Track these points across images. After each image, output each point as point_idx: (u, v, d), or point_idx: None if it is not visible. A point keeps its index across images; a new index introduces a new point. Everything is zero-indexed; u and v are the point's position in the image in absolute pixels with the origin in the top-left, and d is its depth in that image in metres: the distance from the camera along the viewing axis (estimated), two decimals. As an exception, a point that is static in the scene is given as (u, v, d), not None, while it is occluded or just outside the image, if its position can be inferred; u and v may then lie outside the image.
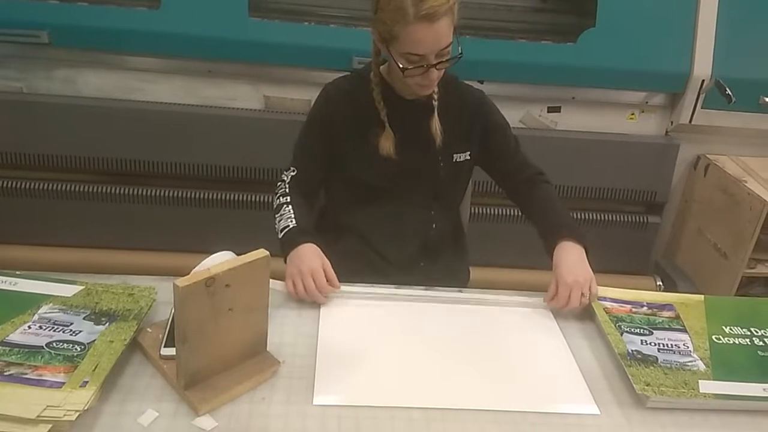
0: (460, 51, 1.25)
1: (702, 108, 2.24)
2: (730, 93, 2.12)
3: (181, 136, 2.17)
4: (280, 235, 1.29)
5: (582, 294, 1.22)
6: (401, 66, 1.24)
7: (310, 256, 1.22)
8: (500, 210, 2.31)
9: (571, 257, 1.27)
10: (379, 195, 1.42)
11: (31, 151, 2.17)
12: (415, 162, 1.39)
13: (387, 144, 1.35)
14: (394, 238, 1.44)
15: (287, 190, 1.37)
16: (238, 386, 0.95)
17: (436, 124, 1.35)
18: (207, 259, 1.06)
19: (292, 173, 1.39)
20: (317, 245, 1.25)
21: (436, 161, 1.39)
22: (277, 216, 1.33)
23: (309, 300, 1.19)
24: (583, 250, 1.29)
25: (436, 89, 1.35)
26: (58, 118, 2.14)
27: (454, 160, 1.41)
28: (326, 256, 1.24)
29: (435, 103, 1.35)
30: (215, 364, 0.96)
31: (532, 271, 2.37)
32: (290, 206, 1.32)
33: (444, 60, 1.23)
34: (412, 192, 1.42)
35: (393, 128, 1.35)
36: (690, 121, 2.27)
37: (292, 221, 1.29)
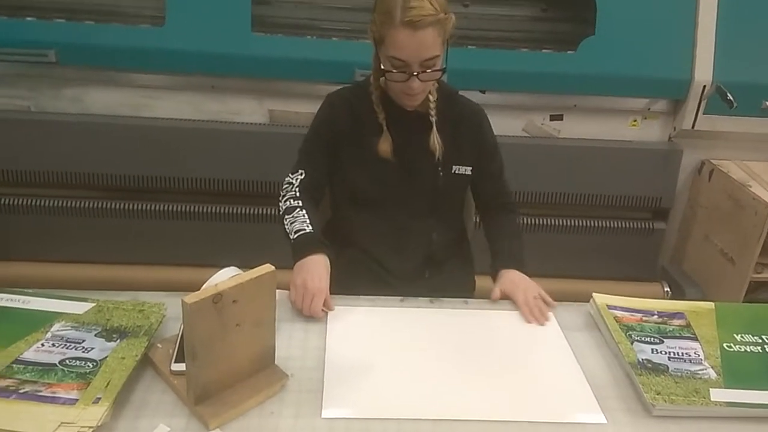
0: (444, 66, 1.27)
1: (704, 114, 2.25)
2: (731, 98, 2.12)
3: (187, 151, 2.20)
4: (295, 236, 1.28)
5: (538, 297, 1.29)
6: (384, 68, 1.27)
7: (321, 273, 1.22)
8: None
9: (511, 275, 1.36)
10: (380, 206, 1.43)
11: (40, 169, 2.20)
12: (414, 172, 1.41)
13: (385, 146, 1.37)
14: (396, 250, 1.45)
15: (298, 194, 1.36)
16: (248, 400, 0.96)
17: (435, 139, 1.37)
18: (214, 275, 1.07)
19: (300, 176, 1.39)
20: (328, 258, 1.26)
21: (435, 171, 1.40)
22: (288, 217, 1.32)
23: (303, 313, 1.20)
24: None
25: (432, 100, 1.35)
26: (66, 135, 2.17)
27: (453, 172, 1.42)
28: (332, 267, 1.26)
29: (433, 120, 1.36)
30: (225, 378, 0.97)
31: (535, 279, 2.38)
32: (304, 210, 1.33)
33: (427, 71, 1.25)
34: (412, 202, 1.43)
35: (391, 133, 1.37)
36: (693, 126, 2.28)
37: (308, 226, 1.29)
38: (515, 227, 1.52)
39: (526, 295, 1.29)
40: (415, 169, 1.41)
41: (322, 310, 1.20)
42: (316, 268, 1.23)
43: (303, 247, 1.26)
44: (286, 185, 1.40)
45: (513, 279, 1.34)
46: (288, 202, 1.35)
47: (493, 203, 1.52)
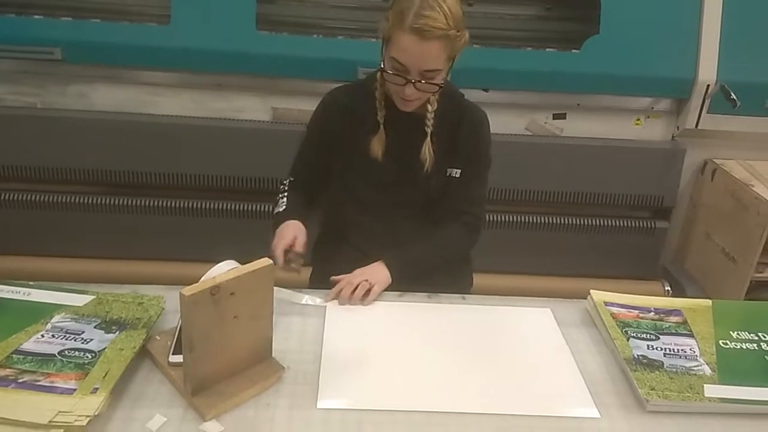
0: (442, 81, 1.27)
1: (708, 113, 2.24)
2: (734, 98, 2.12)
3: (191, 148, 2.21)
4: (273, 220, 1.39)
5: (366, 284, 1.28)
6: (383, 67, 1.27)
7: (288, 228, 1.33)
8: (503, 216, 2.32)
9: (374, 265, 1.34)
10: (374, 206, 1.43)
11: (46, 165, 2.21)
12: (407, 174, 1.40)
13: (377, 146, 1.36)
14: (392, 250, 1.42)
15: (287, 194, 1.45)
16: (244, 392, 0.98)
17: (427, 149, 1.35)
18: (212, 268, 1.09)
19: (291, 179, 1.46)
20: (301, 221, 1.36)
21: (428, 174, 1.38)
22: (275, 211, 1.42)
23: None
24: (388, 275, 1.32)
25: (430, 110, 1.34)
26: (71, 132, 2.18)
27: (447, 174, 1.41)
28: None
29: (428, 129, 1.35)
30: (221, 370, 0.98)
31: (536, 277, 2.39)
32: (285, 196, 1.43)
33: (424, 81, 1.24)
34: (406, 203, 1.43)
35: (387, 133, 1.36)
36: (696, 125, 2.27)
37: (283, 207, 1.41)
38: (449, 241, 1.44)
39: (359, 277, 1.29)
40: (408, 171, 1.39)
41: (292, 267, 1.29)
42: (285, 227, 1.34)
43: (277, 221, 1.37)
44: (281, 187, 1.46)
45: (368, 267, 1.32)
46: (278, 198, 1.44)
47: (454, 210, 1.44)
